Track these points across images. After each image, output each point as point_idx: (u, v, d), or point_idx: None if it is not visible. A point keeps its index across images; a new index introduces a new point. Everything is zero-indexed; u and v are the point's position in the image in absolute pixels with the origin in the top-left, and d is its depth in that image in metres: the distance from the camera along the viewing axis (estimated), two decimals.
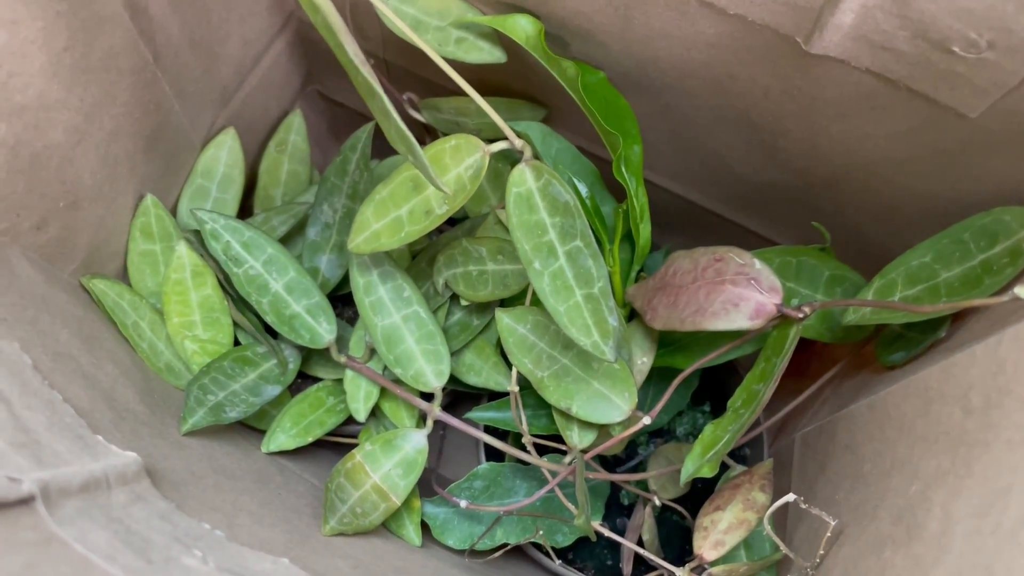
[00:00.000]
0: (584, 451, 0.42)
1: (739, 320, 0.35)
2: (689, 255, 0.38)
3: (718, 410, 0.55)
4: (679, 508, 0.47)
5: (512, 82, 0.46)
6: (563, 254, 0.34)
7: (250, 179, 0.54)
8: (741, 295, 0.35)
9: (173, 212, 0.48)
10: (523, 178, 0.34)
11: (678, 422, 0.55)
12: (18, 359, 0.27)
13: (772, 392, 0.36)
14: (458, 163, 0.36)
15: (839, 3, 0.29)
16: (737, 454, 0.53)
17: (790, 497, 0.36)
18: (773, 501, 0.45)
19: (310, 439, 0.46)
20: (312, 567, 0.31)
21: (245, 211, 0.54)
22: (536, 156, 0.36)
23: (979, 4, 0.27)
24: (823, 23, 0.30)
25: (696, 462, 0.39)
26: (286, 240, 0.49)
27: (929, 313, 0.34)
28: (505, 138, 0.35)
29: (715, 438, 0.39)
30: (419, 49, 0.34)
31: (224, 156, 0.49)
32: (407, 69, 0.50)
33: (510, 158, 0.47)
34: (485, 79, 0.46)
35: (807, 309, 0.35)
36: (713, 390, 0.55)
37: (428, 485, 0.46)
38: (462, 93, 0.35)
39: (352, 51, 0.27)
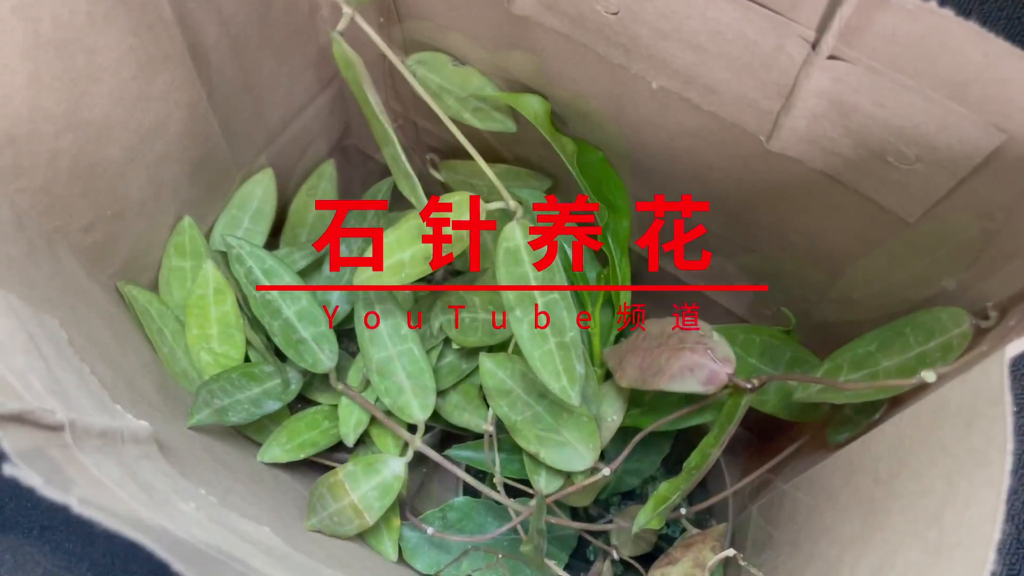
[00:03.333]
0: (550, 496, 0.45)
1: (693, 384, 0.39)
2: (659, 322, 0.42)
3: (695, 495, 0.58)
4: (636, 565, 0.50)
5: (523, 152, 0.51)
6: (542, 304, 0.38)
7: (280, 217, 0.59)
8: (697, 362, 0.39)
9: (207, 236, 0.53)
10: (513, 234, 0.39)
11: (651, 488, 0.58)
12: (56, 332, 0.32)
13: (719, 454, 0.40)
14: (459, 216, 0.40)
15: (792, 109, 0.33)
16: (705, 524, 0.56)
17: (729, 552, 0.39)
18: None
19: (302, 455, 0.50)
20: (290, 542, 0.35)
21: (272, 245, 0.59)
22: (526, 214, 0.40)
23: (907, 123, 0.31)
24: (780, 125, 0.35)
25: (648, 515, 0.42)
26: (304, 273, 0.54)
27: (851, 392, 0.37)
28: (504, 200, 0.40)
29: (667, 494, 0.42)
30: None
31: (259, 192, 0.54)
32: (432, 132, 0.55)
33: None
34: (499, 148, 0.51)
35: (755, 381, 0.39)
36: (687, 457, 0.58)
37: (412, 512, 0.50)
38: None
39: (374, 101, 0.32)
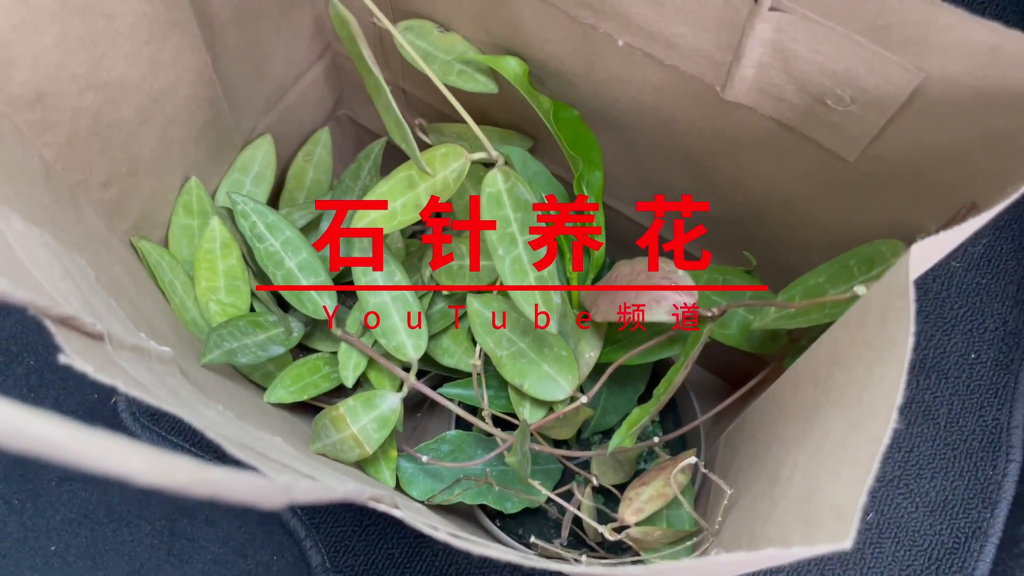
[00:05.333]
0: (533, 425, 0.49)
1: (660, 314, 0.43)
2: (629, 263, 0.46)
3: (665, 420, 0.62)
4: (615, 491, 0.54)
5: (506, 114, 0.55)
6: (522, 243, 0.42)
7: (279, 181, 0.63)
8: (664, 295, 0.43)
9: (212, 198, 0.57)
10: (494, 180, 0.43)
11: None
12: (85, 269, 0.36)
13: (683, 378, 0.44)
14: (445, 167, 0.44)
15: (741, 59, 0.37)
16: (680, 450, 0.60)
17: (692, 459, 0.44)
18: (694, 484, 0.52)
19: (305, 397, 0.54)
20: (300, 451, 0.39)
21: (272, 208, 0.63)
22: (508, 165, 0.44)
23: (840, 67, 0.35)
24: (732, 75, 0.39)
25: (621, 436, 0.46)
26: (304, 231, 0.58)
27: (800, 314, 0.42)
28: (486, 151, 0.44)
29: (638, 417, 0.46)
30: (431, 80, 0.43)
31: (260, 157, 0.58)
32: (421, 98, 0.59)
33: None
34: (484, 110, 0.55)
35: (716, 310, 0.43)
36: (665, 406, 0.62)
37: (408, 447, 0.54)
38: (462, 120, 0.44)
39: (367, 55, 0.35)
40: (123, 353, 0.31)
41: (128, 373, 0.28)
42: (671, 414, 0.62)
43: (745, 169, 0.46)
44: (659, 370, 0.60)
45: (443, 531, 0.25)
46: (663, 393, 0.45)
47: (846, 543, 0.24)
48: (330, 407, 0.49)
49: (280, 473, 0.25)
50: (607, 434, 0.61)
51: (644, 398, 0.60)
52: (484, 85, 0.49)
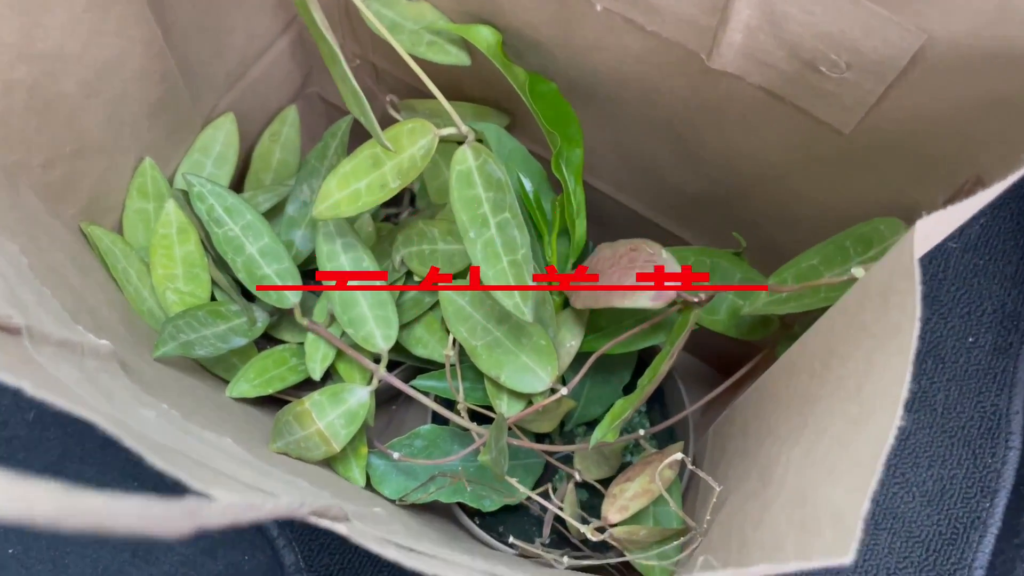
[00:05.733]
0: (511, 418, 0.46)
1: (643, 300, 0.40)
2: (611, 246, 0.44)
3: (652, 410, 0.60)
4: (599, 486, 0.52)
5: (481, 89, 0.52)
6: (494, 224, 0.39)
7: (244, 163, 0.60)
8: (647, 280, 0.40)
9: (170, 182, 0.54)
10: (464, 157, 0.40)
11: None
12: (16, 257, 0.33)
13: (668, 367, 0.41)
14: (412, 143, 0.41)
15: (728, 23, 0.34)
16: (667, 442, 0.58)
17: (677, 456, 0.41)
18: (682, 479, 0.49)
19: (270, 391, 0.51)
20: (253, 452, 0.36)
21: (237, 190, 0.59)
22: (481, 142, 0.41)
23: (834, 28, 0.32)
24: (719, 41, 0.36)
25: (604, 430, 0.43)
26: (269, 215, 0.55)
27: (792, 299, 0.39)
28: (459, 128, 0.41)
29: (621, 410, 0.43)
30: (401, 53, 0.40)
31: (222, 137, 0.55)
32: (392, 73, 0.56)
33: None
34: (457, 85, 0.52)
35: (702, 295, 0.40)
36: (653, 396, 0.59)
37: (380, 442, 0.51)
38: (435, 96, 0.41)
39: (319, 19, 0.32)
40: (46, 349, 0.28)
41: (46, 371, 0.25)
42: (658, 404, 0.60)
43: (733, 143, 0.43)
44: (645, 358, 0.57)
45: (393, 548, 0.22)
46: (648, 383, 0.42)
47: (846, 557, 0.21)
48: (294, 402, 0.46)
49: (211, 485, 0.22)
50: (591, 426, 0.59)
51: (630, 388, 0.57)
52: (456, 57, 0.46)
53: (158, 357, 0.45)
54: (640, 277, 0.40)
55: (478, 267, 0.40)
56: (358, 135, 0.54)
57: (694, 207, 0.51)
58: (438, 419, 0.54)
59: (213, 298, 0.51)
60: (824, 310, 0.41)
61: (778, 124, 0.39)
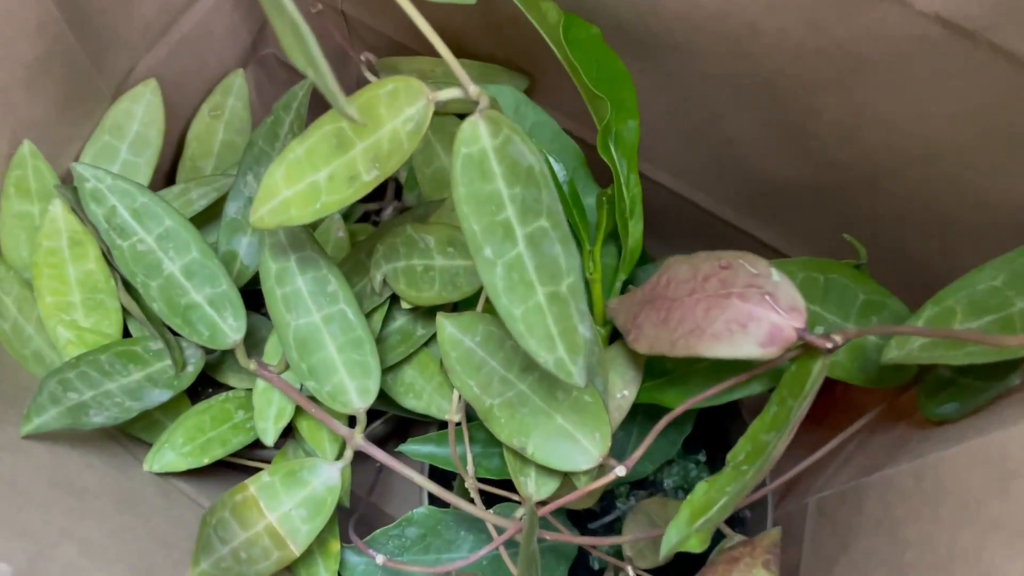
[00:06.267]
0: (542, 503, 0.33)
1: (746, 346, 0.26)
2: (688, 261, 0.30)
3: (716, 461, 0.46)
4: None
5: (491, 41, 0.38)
6: (523, 238, 0.26)
7: (177, 148, 0.46)
8: (751, 313, 0.27)
9: (70, 174, 0.40)
10: (475, 134, 0.26)
11: (666, 473, 0.46)
12: None
13: (785, 446, 0.27)
14: (395, 114, 0.27)
15: None
16: (735, 516, 0.44)
17: (775, 538, 0.28)
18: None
19: (207, 460, 0.37)
20: None
21: (169, 182, 0.45)
22: (496, 109, 0.27)
23: None
24: None
25: (682, 530, 0.30)
26: (204, 217, 0.41)
27: (1011, 349, 0.25)
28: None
29: (708, 500, 0.30)
30: None
31: (140, 112, 0.41)
32: (368, 24, 0.42)
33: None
34: (458, 36, 0.38)
35: (838, 338, 0.27)
36: (711, 435, 0.46)
37: (363, 520, 0.38)
38: (426, 52, 0.27)
39: None
40: None
41: None
42: (721, 451, 0.46)
43: (865, 110, 0.29)
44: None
45: None
46: (749, 467, 0.29)
47: None
48: (232, 489, 0.32)
49: None
50: (637, 486, 0.45)
51: (689, 438, 0.43)
52: None
53: (29, 435, 0.31)
54: (739, 311, 0.27)
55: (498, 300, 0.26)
56: (323, 107, 0.40)
57: (783, 200, 0.37)
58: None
59: (127, 334, 0.38)
60: (1019, 361, 0.28)
61: (955, 78, 0.25)
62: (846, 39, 0.27)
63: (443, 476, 0.43)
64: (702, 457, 0.46)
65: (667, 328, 0.29)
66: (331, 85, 0.21)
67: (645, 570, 0.38)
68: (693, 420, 0.41)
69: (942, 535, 0.25)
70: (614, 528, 0.45)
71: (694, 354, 0.27)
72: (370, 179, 0.28)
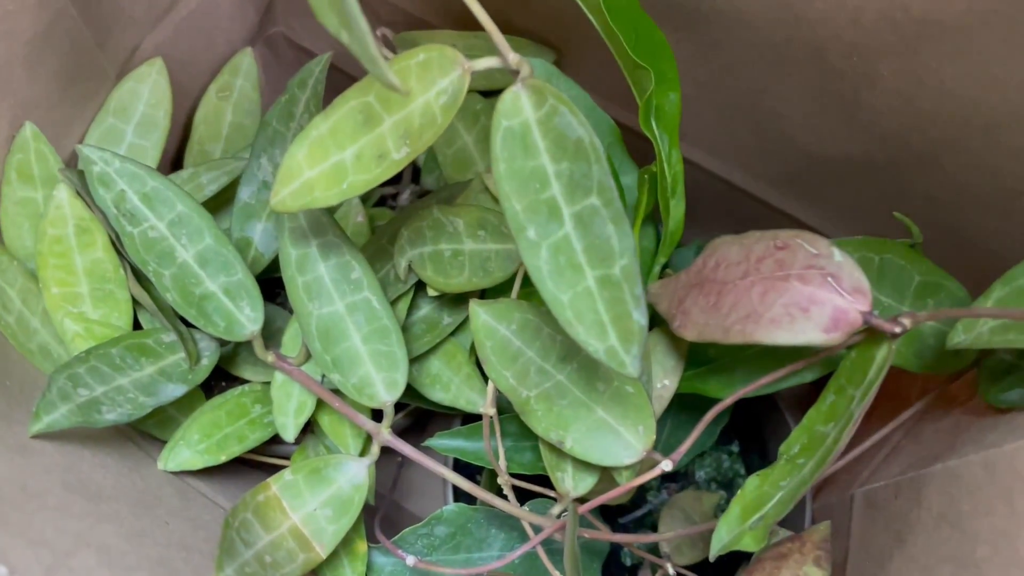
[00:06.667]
0: (580, 500, 0.31)
1: (809, 332, 0.25)
2: (738, 241, 0.28)
3: (750, 452, 0.45)
4: None
5: (513, 15, 0.36)
6: (570, 217, 0.24)
7: (184, 131, 0.44)
8: (813, 296, 0.25)
9: (74, 157, 0.38)
10: (517, 105, 0.24)
11: (698, 464, 0.44)
12: None
13: (849, 437, 0.26)
14: (427, 86, 0.25)
15: None
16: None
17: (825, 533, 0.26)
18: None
19: (224, 458, 0.35)
20: None
21: (176, 166, 0.44)
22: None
23: None
24: None
25: (733, 528, 0.28)
26: (216, 202, 0.39)
27: None
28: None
29: (761, 495, 0.28)
30: None
31: (146, 93, 0.39)
32: None
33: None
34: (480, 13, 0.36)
35: (906, 321, 0.25)
36: (744, 425, 0.44)
37: (385, 519, 0.36)
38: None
39: None
40: None
41: None
42: (755, 441, 0.44)
43: (926, 78, 0.28)
44: None
45: None
46: (805, 459, 0.27)
47: None
48: (254, 489, 0.31)
49: None
50: (670, 479, 0.44)
51: (727, 428, 0.42)
52: None
53: (38, 434, 0.29)
54: (799, 294, 0.25)
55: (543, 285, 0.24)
56: (336, 87, 0.38)
57: (827, 177, 0.35)
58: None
59: (137, 326, 0.36)
60: None
61: None
62: (913, 2, 0.25)
63: (466, 471, 0.41)
64: (735, 448, 0.45)
65: (718, 313, 0.27)
66: (371, 49, 0.19)
67: (684, 566, 0.37)
68: (730, 410, 0.39)
69: (1021, 530, 0.24)
70: (645, 522, 0.43)
71: (750, 341, 0.26)
72: (401, 157, 0.26)
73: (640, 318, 0.24)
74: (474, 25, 0.37)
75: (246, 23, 0.45)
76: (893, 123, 0.30)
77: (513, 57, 0.24)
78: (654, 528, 0.44)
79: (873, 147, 0.32)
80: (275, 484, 0.31)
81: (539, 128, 0.24)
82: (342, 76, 0.47)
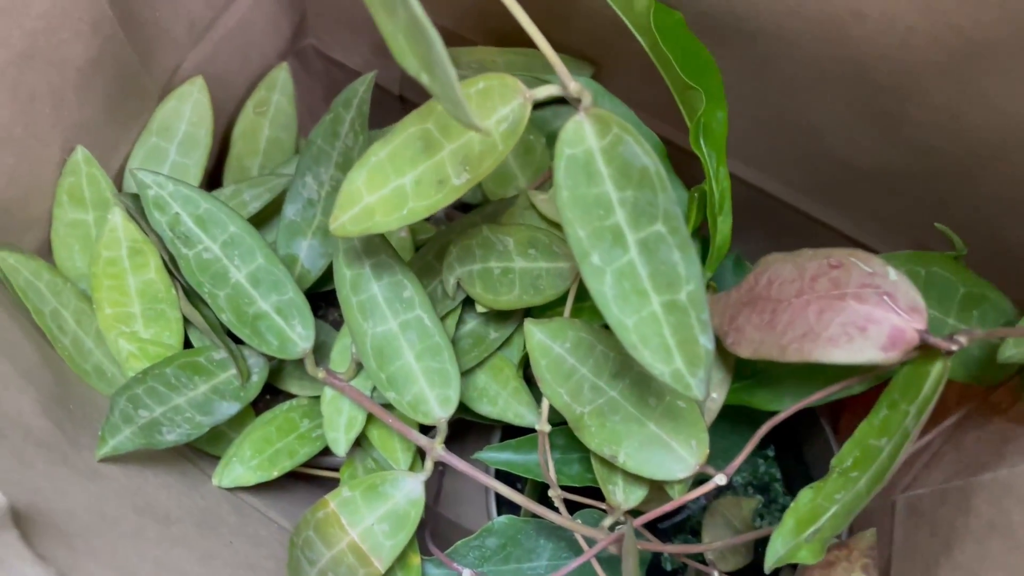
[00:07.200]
0: (630, 512, 0.32)
1: (867, 351, 0.25)
2: (791, 259, 0.29)
3: (786, 457, 0.45)
4: None
5: (551, 30, 0.36)
6: (635, 244, 0.24)
7: (223, 145, 0.44)
8: (870, 315, 0.25)
9: (119, 178, 0.38)
10: (580, 135, 0.24)
11: (738, 473, 0.45)
12: None
13: (908, 452, 0.26)
14: (488, 114, 0.26)
15: None
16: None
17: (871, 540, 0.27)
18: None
19: (276, 473, 0.36)
20: None
21: (214, 183, 0.44)
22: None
23: None
24: None
25: (788, 540, 0.29)
26: (259, 220, 0.39)
27: None
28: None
29: (816, 508, 0.28)
30: None
31: (188, 111, 0.39)
32: None
33: (545, 128, 0.37)
34: (513, 27, 0.36)
35: (963, 339, 0.26)
36: (779, 430, 0.44)
37: (433, 531, 0.36)
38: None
39: None
40: None
41: None
42: (791, 447, 0.45)
43: (972, 91, 0.28)
44: None
45: None
46: (859, 472, 0.28)
47: None
48: (315, 505, 0.31)
49: None
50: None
51: (764, 437, 0.42)
52: None
53: (105, 457, 0.30)
54: (856, 313, 0.26)
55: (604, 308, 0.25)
56: (374, 102, 0.38)
57: (866, 188, 0.36)
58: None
59: (188, 344, 0.36)
60: None
61: None
62: (961, 19, 0.25)
63: (509, 482, 0.41)
64: (770, 452, 0.45)
65: (773, 332, 0.28)
66: (456, 94, 0.19)
67: (728, 572, 0.37)
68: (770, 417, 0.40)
69: None
70: (685, 527, 0.44)
71: (808, 359, 0.26)
72: (461, 183, 0.27)
73: (707, 343, 0.24)
74: (513, 41, 0.37)
75: (280, 37, 0.45)
76: (937, 137, 0.30)
77: (574, 86, 0.25)
78: (692, 532, 0.44)
79: (913, 159, 0.32)
80: (333, 501, 0.31)
81: (603, 156, 0.24)
82: (379, 91, 0.47)
